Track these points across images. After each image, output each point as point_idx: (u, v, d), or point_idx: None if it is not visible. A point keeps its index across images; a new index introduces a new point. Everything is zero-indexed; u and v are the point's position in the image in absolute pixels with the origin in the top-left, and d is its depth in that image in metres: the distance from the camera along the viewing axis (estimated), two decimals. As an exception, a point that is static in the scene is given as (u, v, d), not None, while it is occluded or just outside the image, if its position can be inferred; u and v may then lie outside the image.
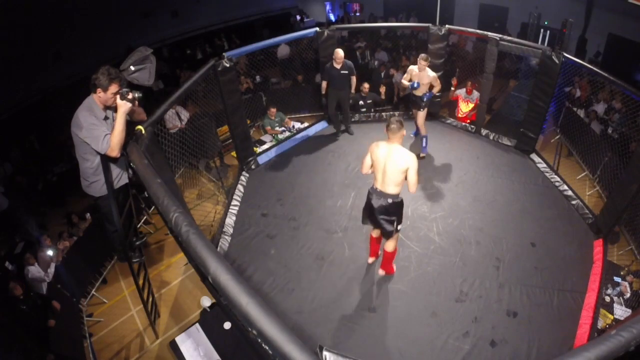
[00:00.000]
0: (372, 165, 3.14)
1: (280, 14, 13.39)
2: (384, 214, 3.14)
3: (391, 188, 3.04)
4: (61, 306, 4.16)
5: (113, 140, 2.61)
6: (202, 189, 5.56)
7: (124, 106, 2.59)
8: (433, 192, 4.79)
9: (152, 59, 2.56)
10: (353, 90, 5.75)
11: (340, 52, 5.23)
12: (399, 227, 3.25)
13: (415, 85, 4.86)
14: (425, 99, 5.02)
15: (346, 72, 5.32)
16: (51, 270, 4.34)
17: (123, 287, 4.76)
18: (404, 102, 7.08)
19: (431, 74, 4.84)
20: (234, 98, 4.87)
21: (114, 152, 2.64)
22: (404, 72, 7.30)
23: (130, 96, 2.60)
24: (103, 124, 2.64)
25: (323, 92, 5.63)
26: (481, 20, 11.03)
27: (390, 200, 3.08)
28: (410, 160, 2.93)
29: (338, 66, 5.26)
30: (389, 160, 2.97)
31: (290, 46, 7.19)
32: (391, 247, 3.45)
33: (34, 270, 4.26)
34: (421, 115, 5.15)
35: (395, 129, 2.95)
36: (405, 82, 5.05)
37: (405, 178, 3.00)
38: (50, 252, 4.43)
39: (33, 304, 3.91)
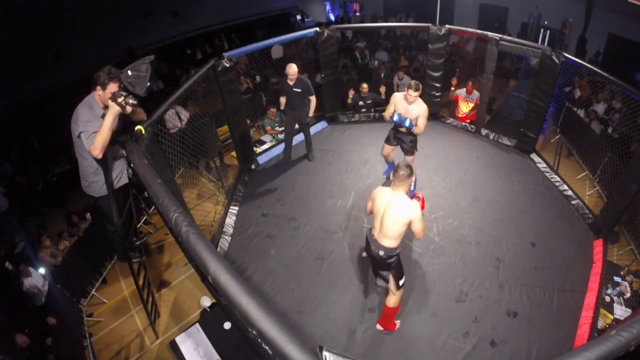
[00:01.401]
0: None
1: (280, 14, 13.39)
2: (378, 265, 2.91)
3: (387, 241, 2.75)
4: (61, 306, 4.17)
5: (97, 139, 2.56)
6: (202, 189, 5.56)
7: (113, 108, 2.57)
8: (433, 192, 4.79)
9: (148, 69, 2.50)
10: (311, 114, 5.01)
11: (293, 67, 4.56)
12: (400, 282, 2.92)
13: (396, 118, 3.84)
14: (411, 140, 4.15)
15: (299, 90, 4.68)
16: (45, 288, 4.23)
17: (123, 287, 4.76)
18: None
19: (422, 106, 3.81)
20: (234, 98, 4.87)
21: (96, 151, 2.58)
22: (405, 73, 7.29)
23: (121, 100, 2.54)
24: (99, 122, 2.64)
25: (282, 107, 4.99)
26: (481, 20, 11.03)
27: (382, 253, 2.79)
28: (412, 212, 2.64)
29: (291, 83, 4.65)
30: (388, 210, 2.70)
31: (289, 46, 7.19)
32: (392, 302, 3.04)
33: (28, 283, 4.16)
34: (410, 159, 4.22)
35: (403, 176, 2.67)
36: (387, 114, 4.03)
37: (408, 228, 2.73)
38: (42, 271, 4.28)
39: (33, 337, 3.78)
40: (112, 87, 2.58)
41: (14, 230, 5.51)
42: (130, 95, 2.62)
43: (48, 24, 7.87)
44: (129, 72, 2.45)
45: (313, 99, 4.84)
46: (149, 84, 2.57)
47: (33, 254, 4.64)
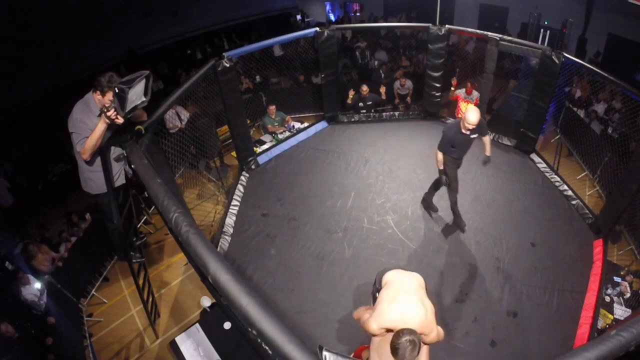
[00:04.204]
0: None
1: (280, 14, 13.39)
2: None
3: None
4: (61, 306, 4.16)
5: (87, 144, 2.62)
6: (202, 189, 5.56)
7: (104, 119, 2.55)
8: (433, 192, 4.78)
9: (126, 91, 2.44)
10: (488, 153, 4.12)
11: (475, 116, 3.52)
12: None
13: None
14: None
15: (476, 135, 3.80)
16: (43, 300, 4.19)
17: (123, 287, 4.75)
18: (404, 102, 7.09)
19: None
20: (234, 98, 4.87)
21: (85, 154, 2.67)
22: (402, 74, 7.22)
23: (110, 113, 2.48)
24: (93, 121, 2.65)
25: (441, 166, 4.01)
26: (481, 20, 11.03)
27: None
28: None
29: (467, 132, 3.68)
30: None
31: (290, 46, 7.21)
32: None
33: (27, 292, 4.09)
34: None
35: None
36: None
37: None
38: (37, 285, 4.23)
39: (27, 335, 3.74)
40: (110, 95, 2.57)
41: (15, 230, 5.50)
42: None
43: (49, 24, 7.87)
44: (116, 90, 2.40)
45: (488, 138, 4.05)
46: (136, 104, 2.51)
47: (26, 265, 4.56)
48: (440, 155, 3.94)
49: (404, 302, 2.07)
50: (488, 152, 4.12)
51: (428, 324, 2.05)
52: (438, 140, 5.39)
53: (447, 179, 4.01)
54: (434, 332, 2.09)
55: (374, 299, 2.44)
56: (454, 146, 3.86)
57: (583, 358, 1.32)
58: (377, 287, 2.40)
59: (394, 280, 2.26)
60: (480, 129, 3.77)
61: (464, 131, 3.70)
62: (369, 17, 12.99)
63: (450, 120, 3.68)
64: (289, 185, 5.07)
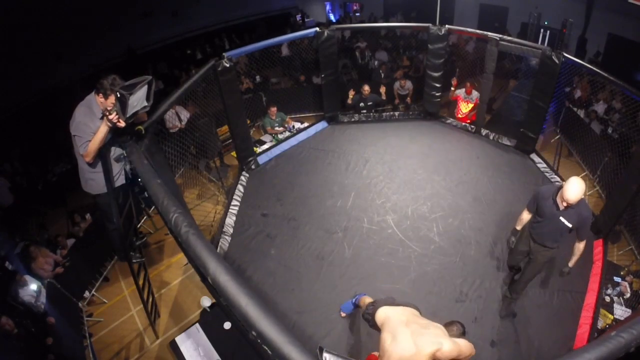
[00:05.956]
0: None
1: (280, 14, 13.39)
2: None
3: None
4: (61, 306, 4.16)
5: (89, 147, 2.65)
6: (202, 189, 5.56)
7: (107, 122, 2.57)
8: (433, 192, 4.79)
9: (126, 96, 2.43)
10: (571, 264, 3.15)
11: (576, 191, 2.61)
12: None
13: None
14: None
15: (566, 222, 2.84)
16: (42, 300, 4.18)
17: (123, 287, 4.75)
18: (404, 102, 7.10)
19: None
20: (234, 98, 4.86)
21: (88, 157, 2.71)
22: (402, 74, 7.22)
23: (112, 116, 2.49)
24: (96, 124, 2.66)
25: (519, 227, 3.30)
26: (481, 20, 11.04)
27: None
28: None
29: (562, 207, 2.79)
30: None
31: (293, 46, 7.21)
32: None
33: (25, 294, 4.08)
34: None
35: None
36: None
37: None
38: (34, 286, 4.22)
39: (27, 333, 3.72)
40: (113, 98, 2.57)
41: (15, 230, 5.50)
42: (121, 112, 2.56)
43: (48, 24, 7.87)
44: (118, 94, 2.40)
45: (581, 246, 3.02)
46: (138, 109, 2.50)
47: (25, 267, 4.54)
48: (525, 215, 3.17)
49: (406, 336, 1.94)
50: (572, 263, 3.14)
51: (450, 350, 1.83)
52: (437, 141, 5.29)
53: (513, 241, 3.35)
54: (463, 349, 1.89)
55: (370, 324, 2.37)
56: (539, 214, 3.00)
57: (583, 359, 1.32)
58: (372, 323, 2.30)
59: (388, 316, 2.16)
60: (579, 220, 2.80)
61: (558, 200, 2.78)
62: (369, 17, 13.00)
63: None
64: (289, 185, 5.07)
